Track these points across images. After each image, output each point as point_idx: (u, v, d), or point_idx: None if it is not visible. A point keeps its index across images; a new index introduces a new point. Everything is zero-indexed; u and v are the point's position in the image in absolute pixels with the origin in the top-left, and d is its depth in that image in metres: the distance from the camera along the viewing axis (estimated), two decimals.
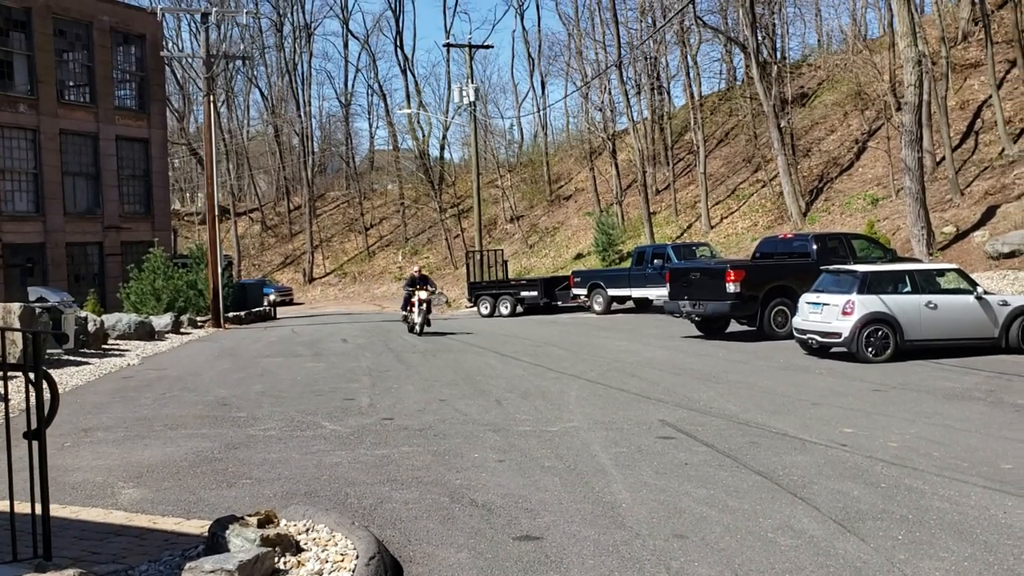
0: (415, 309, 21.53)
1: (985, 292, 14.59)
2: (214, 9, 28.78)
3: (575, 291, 28.92)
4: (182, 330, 24.98)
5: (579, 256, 44.53)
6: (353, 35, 69.76)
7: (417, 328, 21.35)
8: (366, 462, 7.87)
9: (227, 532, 5.03)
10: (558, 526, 5.88)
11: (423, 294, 21.47)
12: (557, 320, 26.68)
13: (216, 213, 28.68)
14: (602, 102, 46.55)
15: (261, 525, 5.23)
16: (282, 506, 6.22)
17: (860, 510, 6.09)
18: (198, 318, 27.43)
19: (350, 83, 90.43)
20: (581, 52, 50.70)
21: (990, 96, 31.85)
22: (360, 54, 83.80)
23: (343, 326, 26.96)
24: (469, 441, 8.64)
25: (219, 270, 27.52)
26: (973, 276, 17.02)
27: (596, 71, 47.21)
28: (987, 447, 7.91)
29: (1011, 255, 22.07)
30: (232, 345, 20.89)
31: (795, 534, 5.63)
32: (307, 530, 5.60)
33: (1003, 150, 30.08)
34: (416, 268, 23.64)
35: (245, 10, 31.67)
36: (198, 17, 32.43)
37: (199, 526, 5.84)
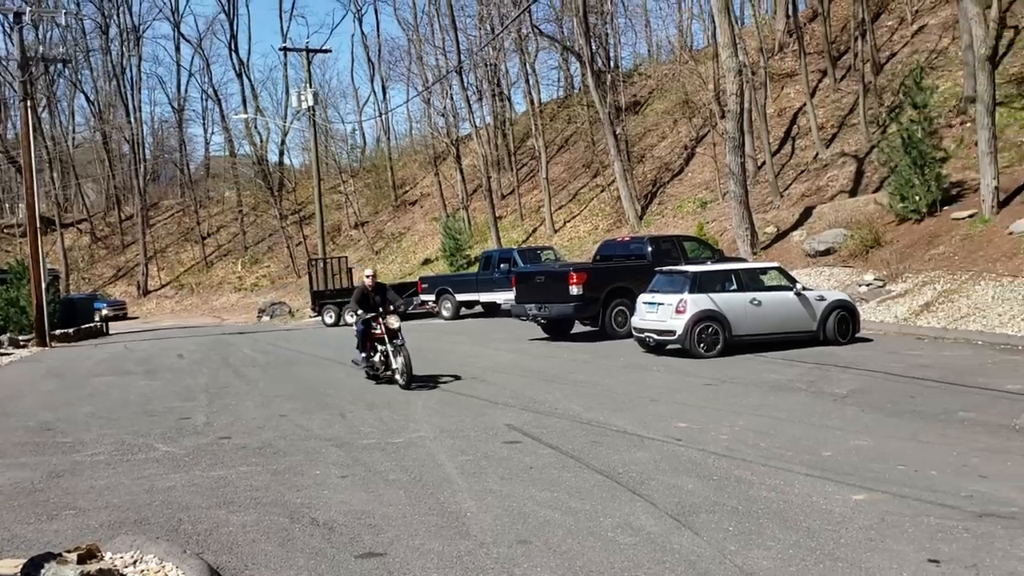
0: (385, 348, 13.25)
1: (804, 288, 15.51)
2: (28, 8, 26.89)
3: (423, 297, 28.81)
4: (2, 351, 23.29)
5: (427, 261, 44.47)
6: (185, 38, 67.36)
7: (399, 378, 12.80)
8: (201, 485, 7.55)
9: (42, 572, 4.70)
10: (402, 540, 5.82)
11: (393, 321, 13.30)
12: (405, 327, 26.38)
13: (38, 225, 26.89)
14: (444, 107, 46.68)
15: (82, 560, 4.91)
16: (108, 537, 5.87)
17: (694, 503, 6.34)
18: (20, 337, 25.67)
19: (183, 87, 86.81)
20: (422, 57, 50.65)
21: (804, 104, 34.06)
22: (193, 58, 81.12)
23: (179, 340, 25.83)
24: (310, 458, 8.43)
25: (43, 285, 25.87)
26: (793, 273, 18.03)
27: (437, 76, 47.29)
28: (809, 436, 8.41)
29: (826, 252, 23.58)
30: (58, 365, 19.63)
31: (634, 532, 5.80)
32: (135, 562, 5.32)
33: (817, 154, 32.19)
34: (368, 274, 14.21)
35: (64, 10, 29.68)
36: (11, 17, 30.26)
37: (12, 566, 5.40)
